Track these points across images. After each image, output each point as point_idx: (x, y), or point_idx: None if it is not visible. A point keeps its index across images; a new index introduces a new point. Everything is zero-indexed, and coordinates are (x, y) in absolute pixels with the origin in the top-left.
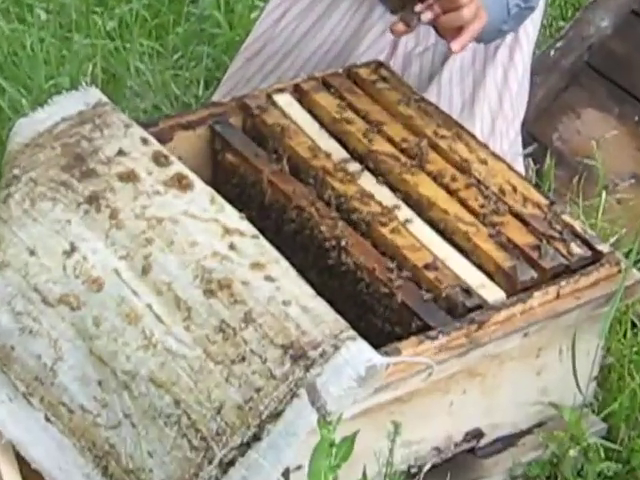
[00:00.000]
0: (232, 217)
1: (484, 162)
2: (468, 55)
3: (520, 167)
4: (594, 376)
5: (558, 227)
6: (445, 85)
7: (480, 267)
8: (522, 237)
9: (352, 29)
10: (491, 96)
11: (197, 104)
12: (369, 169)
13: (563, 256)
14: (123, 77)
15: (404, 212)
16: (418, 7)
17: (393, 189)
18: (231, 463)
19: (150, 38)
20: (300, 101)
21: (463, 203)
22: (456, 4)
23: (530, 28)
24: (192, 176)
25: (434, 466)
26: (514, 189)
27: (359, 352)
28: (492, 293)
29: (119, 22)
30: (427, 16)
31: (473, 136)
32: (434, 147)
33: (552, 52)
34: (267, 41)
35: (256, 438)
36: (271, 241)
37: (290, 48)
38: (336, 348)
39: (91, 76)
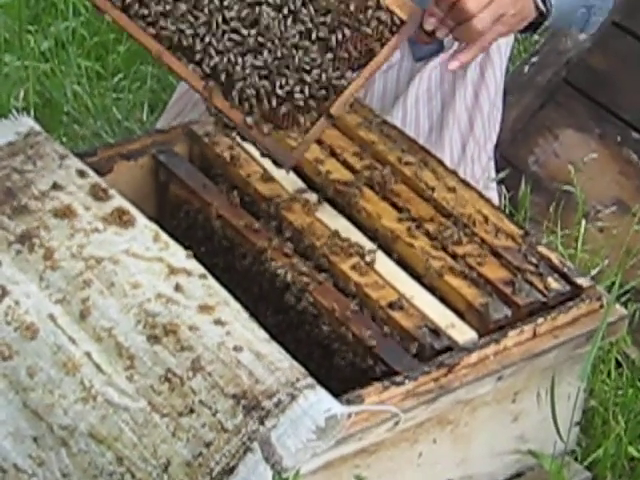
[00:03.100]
0: (178, 255)
1: (452, 190)
2: (436, 74)
3: (493, 194)
4: (576, 421)
5: (534, 260)
6: (411, 107)
7: (449, 305)
8: (495, 272)
9: None
10: (461, 118)
11: (142, 129)
12: (327, 199)
13: (539, 291)
14: (59, 102)
15: (366, 247)
16: (428, 24)
17: (354, 221)
18: None
19: (89, 58)
20: None
21: (430, 236)
22: (467, 15)
23: (502, 42)
24: (134, 211)
25: None
26: (485, 219)
27: (318, 401)
28: (463, 333)
29: (55, 41)
30: (442, 33)
31: (441, 162)
32: (398, 175)
33: (526, 68)
34: None
35: None
36: (222, 280)
37: None
38: (293, 397)
39: (24, 101)
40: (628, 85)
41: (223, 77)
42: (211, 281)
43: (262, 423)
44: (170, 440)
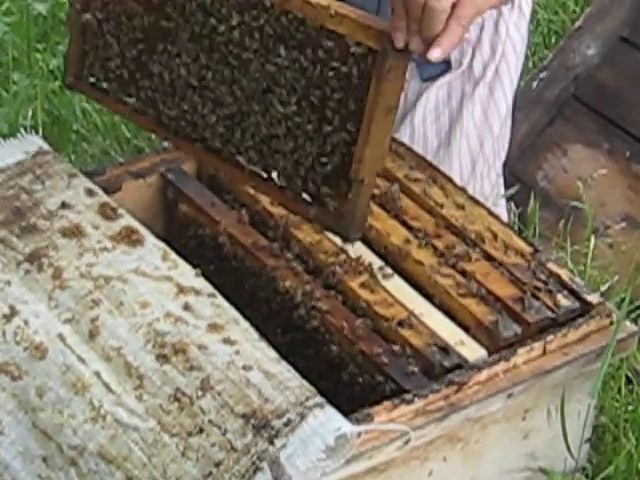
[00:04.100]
0: (186, 274)
1: (461, 207)
2: (443, 92)
3: (502, 211)
4: (587, 438)
5: (543, 277)
6: (419, 125)
7: (459, 323)
8: (504, 289)
9: None
10: (470, 136)
11: (150, 148)
12: None
13: (549, 308)
14: (68, 120)
15: (375, 264)
16: (398, 41)
17: (362, 239)
18: None
19: None
20: None
21: (439, 253)
22: (419, 2)
23: (512, 61)
24: (142, 230)
25: None
26: (494, 236)
27: (327, 420)
28: (472, 351)
29: (63, 60)
30: (415, 44)
31: (449, 179)
32: (406, 192)
33: (535, 84)
34: None
35: None
36: (230, 298)
37: None
38: (302, 417)
39: (32, 120)
40: (637, 100)
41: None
42: (220, 300)
43: (272, 442)
44: (180, 460)
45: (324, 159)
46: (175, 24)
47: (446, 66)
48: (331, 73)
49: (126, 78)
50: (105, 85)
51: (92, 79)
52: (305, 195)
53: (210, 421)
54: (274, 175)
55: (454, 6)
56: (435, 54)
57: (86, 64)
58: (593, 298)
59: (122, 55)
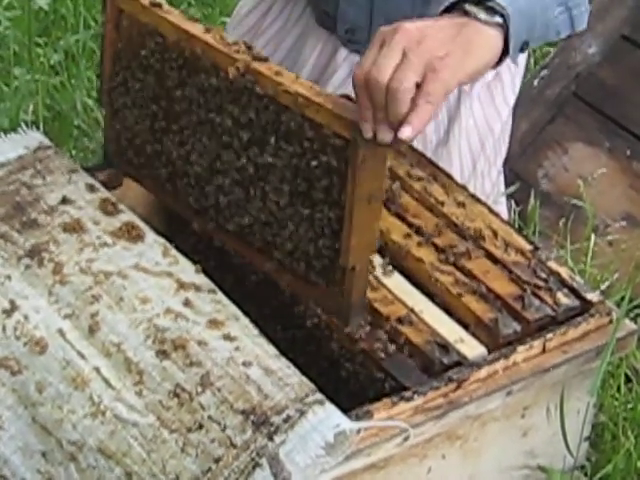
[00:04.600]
0: (187, 270)
1: (462, 205)
2: None
3: (503, 209)
4: (586, 436)
5: (543, 275)
6: None
7: (459, 320)
8: (504, 287)
9: (316, 75)
10: (471, 135)
11: None
12: None
13: (549, 307)
14: (69, 115)
15: (375, 262)
16: (366, 132)
17: None
18: None
19: None
20: None
21: (439, 251)
22: (379, 85)
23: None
24: (143, 226)
25: None
26: (495, 234)
27: (327, 417)
28: (472, 348)
29: (64, 55)
30: (384, 133)
31: (450, 177)
32: (407, 189)
33: (536, 81)
34: None
35: None
36: (231, 294)
37: None
38: (302, 413)
39: (33, 115)
40: (638, 98)
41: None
42: (220, 296)
43: (271, 439)
44: (179, 456)
45: (318, 246)
46: (183, 108)
47: None
48: (314, 162)
49: (149, 157)
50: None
51: (128, 158)
52: (305, 278)
53: (210, 417)
54: (276, 255)
55: (419, 85)
56: (406, 132)
57: (122, 143)
58: (593, 296)
59: (146, 135)
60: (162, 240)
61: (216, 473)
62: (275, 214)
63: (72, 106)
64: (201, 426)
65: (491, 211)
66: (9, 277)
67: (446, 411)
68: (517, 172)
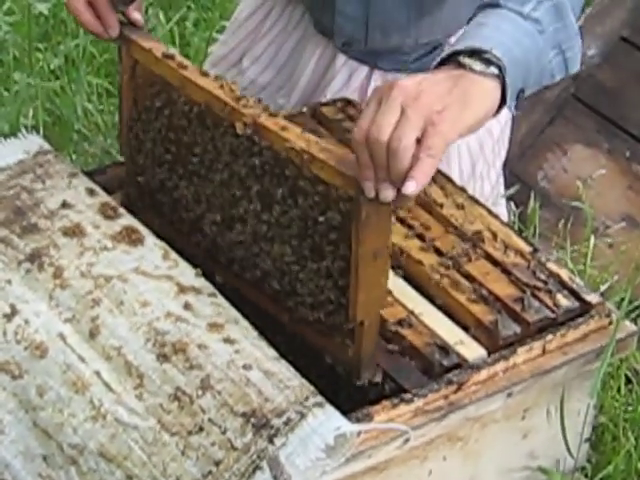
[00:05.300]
0: (187, 274)
1: (461, 207)
2: None
3: (502, 210)
4: (586, 437)
5: (543, 276)
6: None
7: (458, 322)
8: (503, 289)
9: (315, 81)
10: (469, 138)
11: None
12: None
13: (549, 308)
14: (69, 120)
15: None
16: (368, 190)
17: None
18: None
19: (99, 76)
20: None
21: (438, 253)
22: (379, 144)
23: None
24: (143, 229)
25: None
26: (494, 236)
27: (327, 419)
28: (472, 350)
29: (64, 59)
30: (386, 193)
31: (449, 178)
32: None
33: None
34: None
35: None
36: (233, 297)
37: (252, 93)
38: (302, 415)
39: (33, 120)
40: (637, 100)
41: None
42: (220, 299)
43: (271, 441)
44: (179, 459)
45: (328, 299)
46: (195, 160)
47: None
48: (321, 218)
49: (166, 205)
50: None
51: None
52: (317, 329)
53: (210, 420)
54: (289, 305)
55: (419, 140)
56: (410, 187)
57: (140, 189)
58: (593, 298)
59: (162, 183)
60: (162, 244)
61: (217, 476)
62: (285, 267)
63: (72, 110)
64: (201, 429)
65: (490, 213)
66: (9, 281)
67: (446, 413)
68: (517, 174)
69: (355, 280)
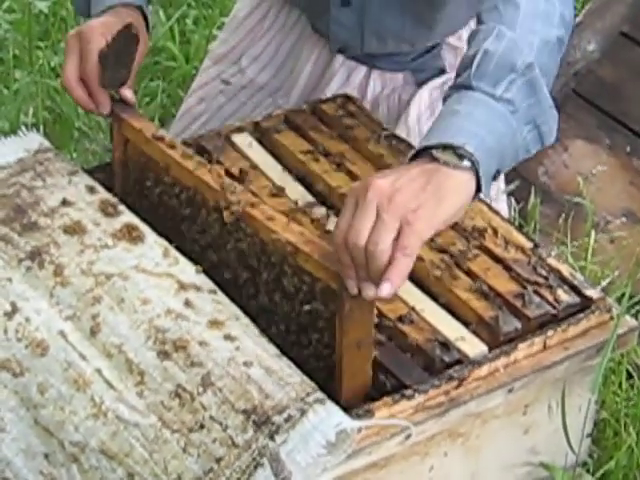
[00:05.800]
0: (187, 271)
1: None
2: (437, 92)
3: (503, 206)
4: (587, 433)
5: (543, 272)
6: (413, 124)
7: (459, 318)
8: (504, 284)
9: (314, 81)
10: None
11: None
12: (337, 214)
13: (549, 304)
14: (70, 117)
15: None
16: (351, 288)
17: None
18: None
19: None
20: (260, 141)
21: (439, 248)
22: (358, 246)
23: None
24: (143, 227)
25: None
26: (495, 232)
27: (328, 416)
28: (472, 346)
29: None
30: (368, 291)
31: None
32: None
33: None
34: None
35: None
36: (234, 294)
37: (252, 92)
38: (303, 412)
39: (33, 117)
40: (637, 95)
41: None
42: (220, 296)
43: (272, 438)
44: (181, 456)
45: (316, 380)
46: (183, 240)
47: (440, 72)
48: (306, 307)
49: None
50: None
51: None
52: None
53: (211, 417)
54: None
55: (395, 239)
56: (385, 290)
57: None
58: (593, 293)
59: None
60: (162, 241)
61: (218, 473)
62: (281, 345)
63: (72, 108)
64: (202, 426)
65: (491, 209)
66: (10, 279)
67: (447, 409)
68: (517, 169)
69: (339, 369)
